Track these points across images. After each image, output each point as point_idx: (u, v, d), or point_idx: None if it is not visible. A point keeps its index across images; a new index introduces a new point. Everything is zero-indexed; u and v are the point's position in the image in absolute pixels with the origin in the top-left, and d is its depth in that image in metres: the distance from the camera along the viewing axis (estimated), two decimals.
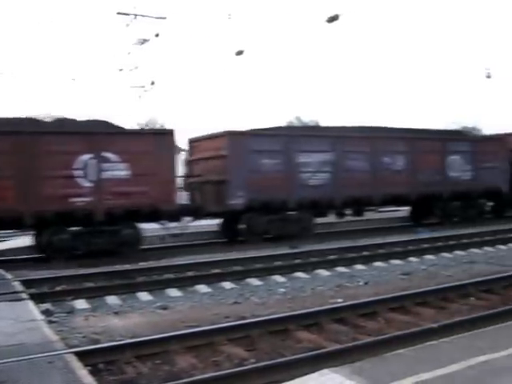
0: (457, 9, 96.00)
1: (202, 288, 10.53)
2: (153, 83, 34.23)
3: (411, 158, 20.15)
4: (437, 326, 6.93)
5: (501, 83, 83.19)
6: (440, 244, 15.33)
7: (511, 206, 24.31)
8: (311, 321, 7.60)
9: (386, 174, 19.54)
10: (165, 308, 9.08)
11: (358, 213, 20.22)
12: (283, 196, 17.45)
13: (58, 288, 10.69)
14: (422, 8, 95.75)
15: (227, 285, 10.78)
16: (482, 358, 5.04)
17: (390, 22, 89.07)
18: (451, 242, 15.62)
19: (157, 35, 33.77)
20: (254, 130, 18.33)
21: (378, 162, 19.40)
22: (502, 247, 14.89)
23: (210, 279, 11.20)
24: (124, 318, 8.49)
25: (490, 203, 24.24)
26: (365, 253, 14.14)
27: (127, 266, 13.05)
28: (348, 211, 20.09)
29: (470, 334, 6.07)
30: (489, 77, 31.01)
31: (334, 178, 18.42)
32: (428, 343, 5.79)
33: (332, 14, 15.38)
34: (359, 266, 12.42)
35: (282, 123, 46.35)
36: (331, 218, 20.08)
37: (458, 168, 21.51)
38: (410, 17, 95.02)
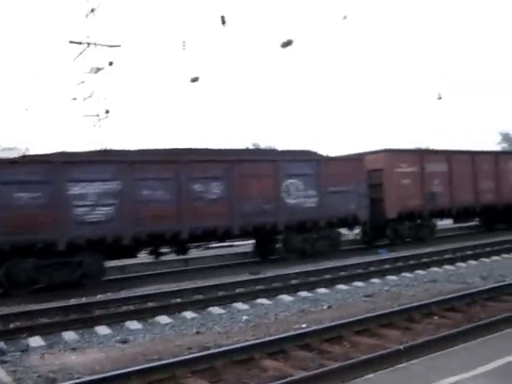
0: (410, 36, 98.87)
1: (163, 319, 10.23)
2: (107, 112, 33.92)
3: (232, 183, 17.19)
4: (403, 348, 6.84)
5: (451, 104, 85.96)
6: (401, 264, 15.37)
7: (378, 233, 21.95)
8: (276, 348, 7.40)
9: (198, 204, 16.55)
10: (125, 341, 8.75)
11: (178, 251, 17.40)
12: (50, 236, 14.26)
13: (12, 325, 10.23)
14: (377, 34, 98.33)
15: (189, 314, 10.50)
16: (452, 379, 4.97)
17: (345, 47, 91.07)
18: (412, 262, 15.67)
19: (111, 63, 33.59)
20: (15, 158, 15.86)
21: (185, 191, 16.34)
22: (462, 264, 15.01)
23: (170, 309, 10.90)
24: (82, 354, 8.14)
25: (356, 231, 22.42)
26: (327, 276, 14.04)
27: (84, 300, 12.66)
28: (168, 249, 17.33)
29: (438, 354, 5.99)
30: (440, 98, 31.85)
31: (123, 212, 15.24)
32: (397, 366, 5.70)
33: (286, 39, 15.51)
34: (322, 290, 12.30)
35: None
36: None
37: (299, 194, 18.58)
38: (366, 42, 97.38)
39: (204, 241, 18.10)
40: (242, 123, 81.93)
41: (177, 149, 17.67)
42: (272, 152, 19.59)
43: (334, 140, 74.45)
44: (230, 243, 21.74)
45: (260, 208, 17.72)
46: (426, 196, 22.05)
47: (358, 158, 21.13)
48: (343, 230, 21.31)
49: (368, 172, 20.56)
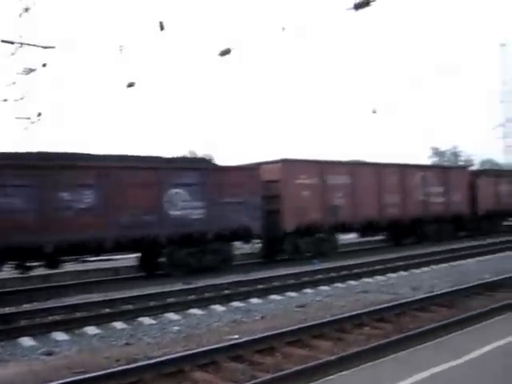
0: (345, 52, 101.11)
1: (91, 329, 9.91)
2: (39, 114, 32.90)
3: (106, 192, 15.73)
4: (334, 359, 6.84)
5: (384, 117, 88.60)
6: (333, 274, 15.50)
7: (276, 247, 21.06)
8: (207, 360, 7.27)
9: (66, 214, 14.99)
10: (49, 354, 8.40)
11: (48, 265, 15.71)
12: None
13: None
14: (315, 47, 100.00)
15: (118, 325, 10.23)
16: None
17: (284, 58, 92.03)
18: (344, 272, 15.83)
19: (44, 65, 32.64)
20: None
21: (50, 199, 14.77)
22: (393, 275, 15.27)
23: (99, 320, 10.57)
24: (3, 368, 7.75)
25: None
26: (260, 286, 14.00)
27: (8, 309, 12.14)
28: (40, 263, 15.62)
29: (369, 364, 6.01)
30: (374, 112, 32.61)
31: None
32: (328, 377, 5.68)
33: (224, 47, 15.46)
34: (255, 300, 12.24)
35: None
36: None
37: (184, 204, 17.31)
38: (304, 54, 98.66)
39: (74, 254, 16.23)
40: (179, 131, 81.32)
41: (44, 152, 15.92)
42: (157, 159, 17.96)
43: (272, 149, 74.87)
44: (109, 257, 19.97)
45: (139, 219, 16.32)
46: (327, 209, 21.20)
47: (251, 168, 20.06)
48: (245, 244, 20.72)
49: (265, 183, 19.65)
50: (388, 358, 6.30)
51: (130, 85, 21.52)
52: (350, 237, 26.46)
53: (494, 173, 35.20)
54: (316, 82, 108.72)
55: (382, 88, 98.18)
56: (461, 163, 71.16)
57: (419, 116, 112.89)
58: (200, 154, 51.75)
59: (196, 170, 18.03)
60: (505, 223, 34.20)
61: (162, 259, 17.78)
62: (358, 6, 11.55)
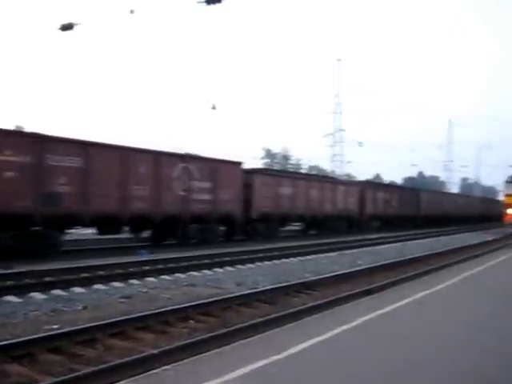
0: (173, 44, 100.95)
1: None
2: None
3: None
4: (157, 352, 6.77)
5: (225, 113, 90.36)
6: (161, 266, 15.39)
7: None
8: (22, 351, 6.81)
9: None
10: None
11: None
12: None
13: None
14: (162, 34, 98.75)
15: None
16: None
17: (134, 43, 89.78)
18: (171, 265, 15.78)
19: None
20: None
21: None
22: (220, 270, 15.52)
23: None
24: None
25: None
26: (84, 274, 13.49)
27: None
28: None
29: (193, 359, 6.02)
30: (214, 108, 32.89)
31: None
32: (151, 371, 5.59)
33: (67, 22, 14.66)
34: (78, 289, 11.74)
35: None
36: None
37: None
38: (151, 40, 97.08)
39: None
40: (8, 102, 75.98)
41: None
42: None
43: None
44: None
45: None
46: (43, 197, 17.05)
47: None
48: None
49: None
50: (211, 353, 6.36)
51: None
52: (87, 232, 22.85)
53: (274, 173, 33.87)
54: (160, 70, 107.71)
55: (222, 85, 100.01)
56: (290, 167, 74.70)
57: (256, 117, 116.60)
58: (29, 128, 48.73)
59: None
60: (291, 228, 34.13)
61: None
62: (209, 1, 11.55)
